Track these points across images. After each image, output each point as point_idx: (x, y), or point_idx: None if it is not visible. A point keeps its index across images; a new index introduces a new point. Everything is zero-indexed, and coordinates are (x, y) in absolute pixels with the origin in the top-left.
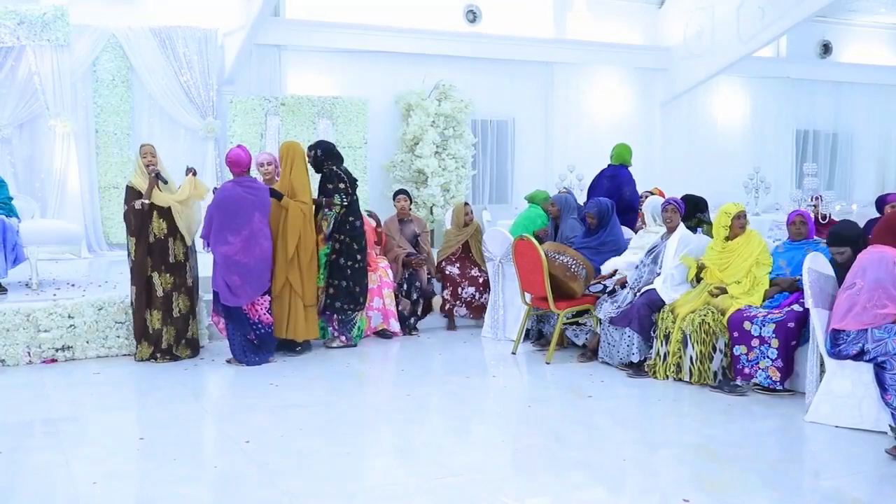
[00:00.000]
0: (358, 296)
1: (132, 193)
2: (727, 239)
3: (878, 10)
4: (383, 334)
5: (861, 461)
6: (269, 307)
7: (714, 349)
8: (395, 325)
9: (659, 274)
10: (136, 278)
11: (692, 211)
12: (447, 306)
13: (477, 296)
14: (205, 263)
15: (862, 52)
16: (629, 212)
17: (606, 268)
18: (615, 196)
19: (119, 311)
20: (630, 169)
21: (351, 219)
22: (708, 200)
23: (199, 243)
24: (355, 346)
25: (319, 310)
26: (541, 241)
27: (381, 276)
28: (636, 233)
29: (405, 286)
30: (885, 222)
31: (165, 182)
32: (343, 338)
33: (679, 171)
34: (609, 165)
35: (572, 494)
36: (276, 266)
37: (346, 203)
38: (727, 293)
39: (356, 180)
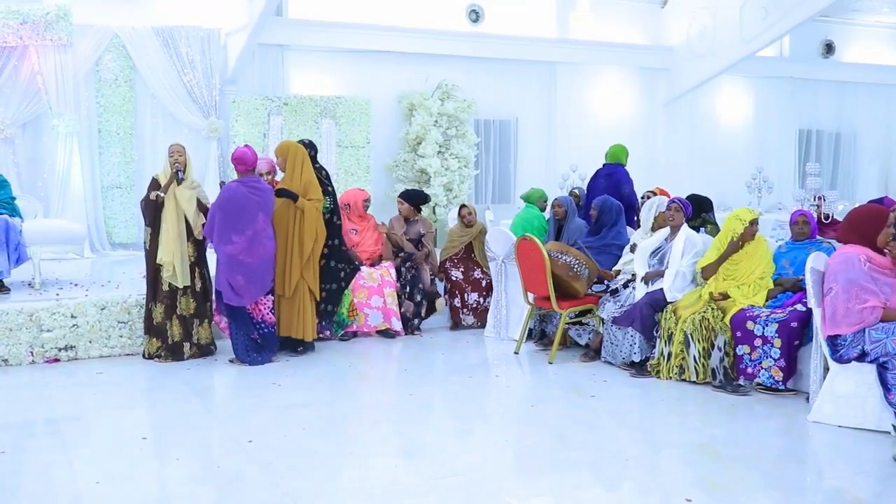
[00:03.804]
0: (337, 293)
1: (154, 184)
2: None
3: (881, 10)
4: (386, 334)
5: (864, 461)
6: (272, 307)
7: (712, 346)
8: (396, 325)
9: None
10: (147, 269)
11: (697, 211)
12: (458, 316)
13: (481, 301)
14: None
15: (865, 51)
16: (628, 210)
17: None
18: (614, 195)
19: (122, 311)
20: (626, 168)
21: (335, 220)
22: (712, 200)
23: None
24: (347, 339)
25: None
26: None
27: (383, 274)
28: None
29: (408, 288)
30: (847, 221)
31: (182, 180)
32: (328, 332)
33: (682, 171)
34: (605, 164)
35: (575, 494)
36: (290, 266)
37: (330, 207)
38: (729, 297)
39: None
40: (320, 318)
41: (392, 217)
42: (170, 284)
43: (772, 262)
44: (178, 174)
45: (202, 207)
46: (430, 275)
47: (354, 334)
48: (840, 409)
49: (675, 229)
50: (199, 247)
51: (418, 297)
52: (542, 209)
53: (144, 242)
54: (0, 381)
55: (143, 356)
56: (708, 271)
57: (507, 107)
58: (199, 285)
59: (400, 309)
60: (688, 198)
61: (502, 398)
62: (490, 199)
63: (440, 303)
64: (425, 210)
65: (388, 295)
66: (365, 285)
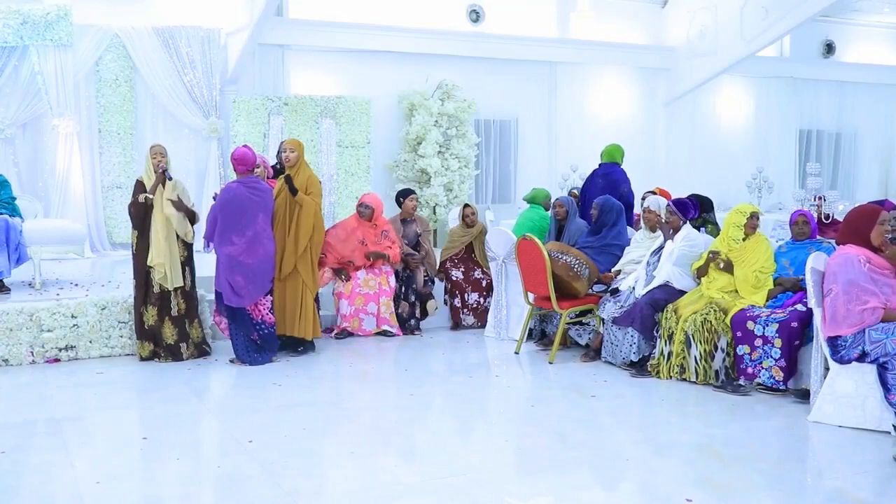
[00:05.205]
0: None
1: (139, 187)
2: (719, 265)
3: (882, 10)
4: (385, 333)
5: (864, 461)
6: (271, 307)
7: (715, 348)
8: (390, 329)
9: None
10: (136, 273)
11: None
12: (458, 316)
13: (481, 301)
14: (204, 264)
15: (865, 51)
16: (627, 210)
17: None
18: (612, 194)
19: (122, 311)
20: (623, 167)
21: None
22: (712, 200)
23: (199, 244)
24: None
25: None
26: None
27: (381, 283)
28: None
29: (402, 288)
30: (846, 223)
31: (171, 178)
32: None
33: (682, 171)
34: (601, 164)
35: (575, 494)
36: (285, 260)
37: None
38: (731, 265)
39: None
40: None
41: (388, 219)
42: (160, 286)
43: (772, 257)
44: (167, 174)
45: (186, 210)
46: (425, 276)
47: (350, 333)
48: (840, 408)
49: (675, 230)
50: (188, 246)
51: (412, 298)
52: (548, 209)
53: (132, 245)
54: (0, 381)
55: (139, 359)
56: (701, 272)
57: (508, 107)
58: (188, 284)
59: (397, 309)
60: (688, 198)
61: (502, 398)
62: (490, 199)
63: (431, 304)
64: (425, 210)
65: (384, 304)
66: (361, 292)
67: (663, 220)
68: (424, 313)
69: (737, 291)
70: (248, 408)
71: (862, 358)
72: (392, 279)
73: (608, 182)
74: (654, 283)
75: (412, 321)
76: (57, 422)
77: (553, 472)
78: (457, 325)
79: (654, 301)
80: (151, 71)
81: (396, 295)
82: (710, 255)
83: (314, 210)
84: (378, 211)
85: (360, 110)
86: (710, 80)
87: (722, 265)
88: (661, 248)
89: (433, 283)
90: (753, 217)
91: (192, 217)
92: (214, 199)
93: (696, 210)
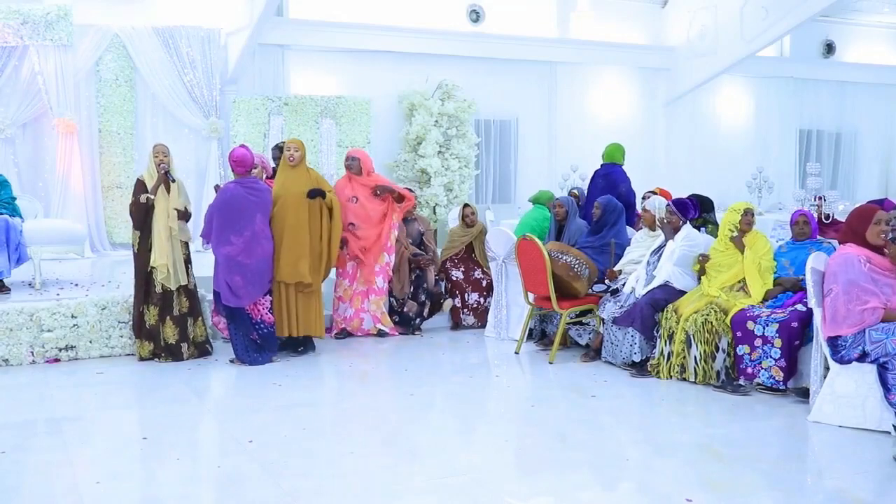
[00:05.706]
0: None
1: (140, 187)
2: (733, 239)
3: (882, 10)
4: (381, 333)
5: (864, 461)
6: (270, 307)
7: (717, 348)
8: (385, 329)
9: None
10: (137, 273)
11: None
12: (458, 316)
13: (481, 301)
14: (203, 264)
15: (865, 51)
16: (626, 209)
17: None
18: (611, 194)
19: (122, 311)
20: (623, 167)
21: None
22: (713, 200)
23: (198, 242)
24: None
25: None
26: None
27: (369, 280)
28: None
29: (412, 288)
30: (847, 223)
31: (174, 180)
32: None
33: (682, 171)
34: (602, 165)
35: (575, 494)
36: (311, 261)
37: None
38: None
39: None
40: None
41: None
42: (162, 286)
43: (772, 252)
44: (169, 175)
45: (182, 215)
46: (434, 275)
47: (350, 333)
48: (840, 408)
49: (676, 230)
50: (188, 245)
51: (422, 297)
52: (550, 209)
53: (133, 245)
54: (0, 381)
55: (139, 359)
56: (701, 270)
57: (508, 107)
58: (191, 283)
59: (402, 308)
60: (688, 198)
61: (502, 398)
62: (490, 199)
63: (447, 304)
64: (425, 210)
65: (373, 302)
66: (358, 291)
67: (665, 221)
68: (434, 312)
69: (735, 289)
70: (248, 408)
71: (862, 358)
72: (379, 279)
73: (608, 182)
74: (655, 283)
75: (417, 320)
76: (57, 422)
77: (553, 472)
78: (457, 325)
79: (654, 301)
80: (151, 71)
81: (400, 294)
82: (701, 257)
83: (339, 209)
84: (367, 164)
85: (360, 110)
86: (710, 80)
87: (741, 238)
88: (661, 247)
89: (438, 283)
90: (748, 214)
91: (187, 220)
92: (216, 190)
93: (697, 210)
